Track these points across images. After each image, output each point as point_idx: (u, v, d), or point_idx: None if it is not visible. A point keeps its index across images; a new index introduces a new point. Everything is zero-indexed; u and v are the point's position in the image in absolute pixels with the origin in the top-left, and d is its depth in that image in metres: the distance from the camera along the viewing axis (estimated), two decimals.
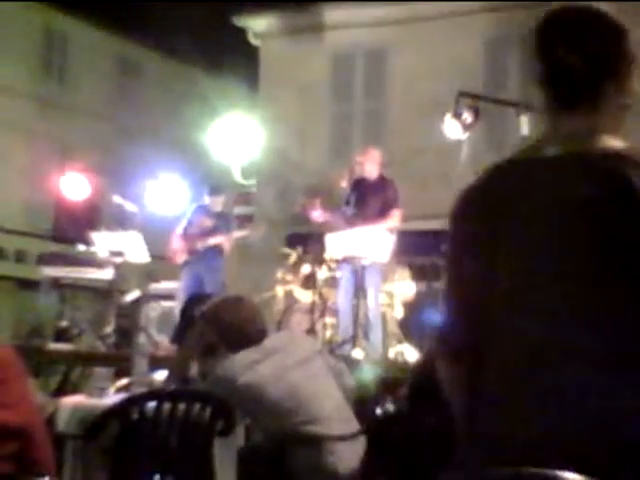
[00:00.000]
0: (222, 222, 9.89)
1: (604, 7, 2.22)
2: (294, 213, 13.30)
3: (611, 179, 1.84)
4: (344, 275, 8.70)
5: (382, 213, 8.65)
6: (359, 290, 8.35)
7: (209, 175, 15.27)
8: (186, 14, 21.44)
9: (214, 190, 10.09)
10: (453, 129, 8.23)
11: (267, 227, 10.43)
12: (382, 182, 8.88)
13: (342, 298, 8.65)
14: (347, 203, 8.86)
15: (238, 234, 9.92)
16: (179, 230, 9.90)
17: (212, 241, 9.63)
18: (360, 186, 8.87)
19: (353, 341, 8.12)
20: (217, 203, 9.99)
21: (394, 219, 8.68)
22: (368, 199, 8.74)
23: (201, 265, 9.61)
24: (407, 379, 3.27)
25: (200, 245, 9.62)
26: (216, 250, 9.73)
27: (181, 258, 9.73)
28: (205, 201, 10.01)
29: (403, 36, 15.93)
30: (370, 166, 8.83)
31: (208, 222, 9.80)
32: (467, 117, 8.11)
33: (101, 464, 4.00)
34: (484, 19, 15.35)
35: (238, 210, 17.28)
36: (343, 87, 16.68)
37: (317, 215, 8.96)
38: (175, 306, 9.63)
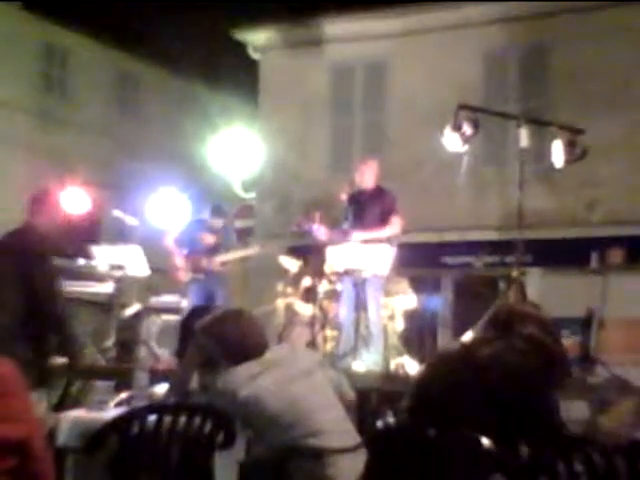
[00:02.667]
0: (224, 237, 9.92)
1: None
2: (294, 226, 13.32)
3: None
4: (345, 288, 8.72)
5: (381, 221, 8.70)
6: (360, 303, 8.36)
7: (209, 189, 15.29)
8: (186, 28, 21.49)
9: (216, 211, 10.03)
10: (453, 141, 8.25)
11: (267, 244, 10.40)
12: (379, 191, 8.94)
13: (344, 311, 8.67)
14: (346, 218, 8.92)
15: (237, 253, 9.91)
16: (169, 241, 9.88)
17: (219, 259, 9.64)
18: (357, 199, 8.92)
19: (354, 354, 8.12)
20: (217, 223, 9.96)
21: (394, 226, 8.72)
22: (366, 209, 8.79)
23: (212, 281, 9.66)
24: (408, 391, 3.27)
25: (206, 264, 9.64)
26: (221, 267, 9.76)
27: (186, 276, 9.75)
28: (204, 216, 10.00)
29: (403, 49, 15.97)
30: (369, 176, 8.90)
31: (210, 239, 9.80)
32: (467, 129, 8.13)
33: (101, 478, 3.99)
34: (484, 32, 15.38)
35: (238, 223, 17.30)
36: (343, 100, 16.71)
37: (316, 230, 8.99)
38: (178, 320, 9.64)
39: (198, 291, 9.70)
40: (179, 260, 9.81)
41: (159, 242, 9.92)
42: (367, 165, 9.03)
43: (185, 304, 9.77)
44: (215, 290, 9.66)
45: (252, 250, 10.19)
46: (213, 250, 9.71)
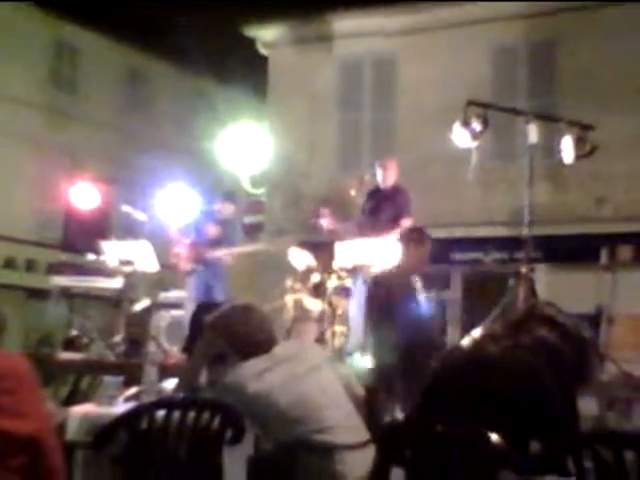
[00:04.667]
0: (229, 230, 9.88)
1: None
2: (303, 222, 13.31)
3: None
4: (356, 284, 8.74)
5: (394, 222, 8.71)
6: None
7: (218, 184, 15.28)
8: (195, 25, 21.49)
9: (227, 196, 10.07)
10: (462, 138, 8.24)
11: (276, 240, 10.36)
12: (395, 191, 8.98)
13: (354, 307, 8.68)
14: (364, 212, 8.98)
15: (244, 249, 9.88)
16: (173, 230, 9.85)
17: (219, 253, 9.59)
18: (375, 196, 8.98)
19: (363, 350, 8.12)
20: (228, 209, 9.95)
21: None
22: (381, 208, 8.84)
23: (209, 273, 9.59)
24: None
25: (209, 255, 9.59)
26: (221, 259, 9.70)
27: (187, 266, 9.68)
28: (215, 207, 9.97)
29: (411, 45, 15.95)
30: (392, 176, 8.97)
31: (215, 230, 9.76)
32: (476, 126, 8.12)
33: (110, 473, 4.00)
34: (493, 28, 15.36)
35: (248, 219, 17.32)
36: (352, 96, 16.70)
37: (327, 223, 9.01)
38: (183, 315, 9.63)
39: (197, 282, 9.64)
40: (180, 249, 9.75)
41: (168, 237, 9.92)
42: (389, 166, 9.07)
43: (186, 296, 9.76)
44: (214, 283, 9.59)
45: (259, 246, 10.15)
46: (216, 242, 9.66)
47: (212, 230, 9.77)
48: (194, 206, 10.39)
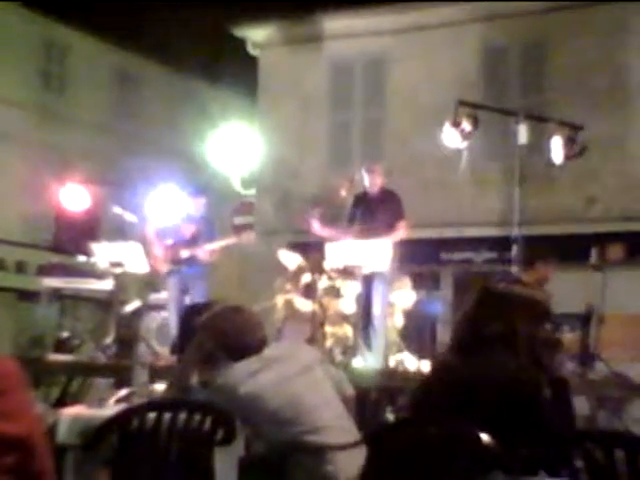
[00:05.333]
0: (205, 227, 9.71)
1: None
2: (294, 222, 13.31)
3: None
4: (352, 284, 8.76)
5: (390, 226, 8.71)
6: (364, 299, 8.41)
7: (209, 185, 15.28)
8: (185, 25, 21.47)
9: (195, 192, 9.86)
10: (452, 138, 8.26)
11: (257, 234, 10.19)
12: (386, 195, 8.94)
13: (353, 307, 8.72)
14: (351, 220, 8.90)
15: (222, 242, 9.70)
16: (150, 231, 9.72)
17: (194, 252, 9.43)
18: (364, 201, 8.93)
19: (354, 350, 8.14)
20: (199, 205, 9.76)
21: (401, 232, 8.75)
22: (375, 213, 8.79)
23: (186, 273, 9.48)
24: (407, 388, 3.28)
25: (183, 255, 9.48)
26: (199, 258, 9.57)
27: (165, 267, 9.58)
28: (186, 205, 9.80)
29: (402, 45, 15.96)
30: (379, 180, 8.93)
31: (190, 229, 9.61)
32: (466, 126, 8.15)
33: (101, 475, 3.99)
34: (483, 28, 15.38)
35: (237, 220, 17.31)
36: (342, 96, 16.69)
37: (316, 227, 8.99)
38: (167, 317, 9.58)
39: (175, 284, 9.53)
40: (157, 250, 9.59)
41: (144, 238, 9.72)
42: (376, 170, 9.03)
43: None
44: (193, 283, 9.47)
45: (231, 241, 9.87)
46: (193, 241, 9.55)
47: (187, 229, 9.62)
48: (184, 207, 10.35)
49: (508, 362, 3.10)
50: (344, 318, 9.00)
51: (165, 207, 10.21)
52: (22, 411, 2.84)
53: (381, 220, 8.75)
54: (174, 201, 10.34)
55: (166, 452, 3.74)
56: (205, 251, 9.44)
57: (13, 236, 20.50)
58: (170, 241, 9.57)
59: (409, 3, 15.56)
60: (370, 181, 8.92)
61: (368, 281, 8.47)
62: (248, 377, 4.02)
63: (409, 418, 3.26)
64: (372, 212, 8.81)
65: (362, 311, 8.47)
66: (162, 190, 10.34)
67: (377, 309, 8.50)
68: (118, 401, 4.64)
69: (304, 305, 9.35)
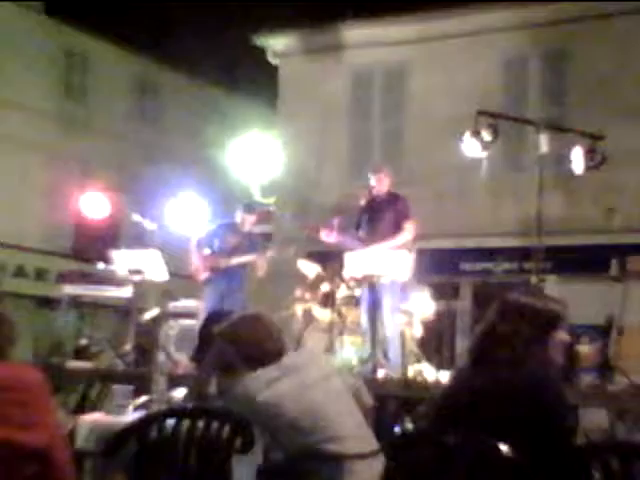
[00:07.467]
0: (247, 241, 9.86)
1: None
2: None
3: None
4: (363, 294, 8.74)
5: (395, 227, 8.71)
6: (376, 308, 8.39)
7: (228, 193, 15.31)
8: (205, 34, 21.56)
9: (248, 208, 10.10)
10: (472, 148, 8.25)
11: (295, 248, 10.27)
12: (392, 197, 8.95)
13: (364, 317, 8.70)
14: (358, 226, 8.94)
15: (270, 254, 9.82)
16: (193, 244, 9.88)
17: (235, 260, 9.58)
18: (371, 206, 8.94)
19: (372, 360, 8.12)
20: (248, 221, 9.97)
21: (407, 232, 8.73)
22: (380, 215, 8.81)
23: (223, 283, 9.60)
24: (427, 398, 3.27)
25: (224, 264, 9.60)
26: (239, 269, 9.69)
27: (203, 276, 9.71)
28: (237, 218, 9.94)
29: (422, 55, 15.96)
30: (386, 183, 8.93)
31: (233, 240, 9.77)
32: (486, 135, 8.13)
33: None
34: (503, 38, 15.36)
35: (257, 229, 17.32)
36: (362, 106, 16.71)
37: (329, 236, 9.00)
38: (195, 324, 9.62)
39: (212, 292, 9.65)
40: (195, 259, 9.79)
41: (178, 247, 9.92)
42: (383, 172, 9.04)
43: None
44: (229, 293, 9.58)
45: (277, 253, 10.01)
46: (235, 252, 9.68)
47: (231, 240, 9.77)
48: (203, 215, 10.39)
49: (528, 373, 3.09)
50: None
51: (185, 215, 10.27)
52: (43, 422, 2.84)
53: (387, 221, 8.75)
54: (193, 209, 10.39)
55: (184, 460, 3.74)
56: (243, 261, 9.56)
57: (33, 243, 20.62)
58: (208, 251, 9.70)
59: (429, 13, 15.57)
60: (376, 182, 8.93)
61: (374, 290, 8.43)
62: (266, 385, 4.01)
63: (428, 429, 3.25)
64: (378, 215, 8.82)
65: (369, 320, 8.47)
66: (182, 198, 10.37)
67: (387, 319, 8.47)
68: (137, 408, 4.66)
69: (323, 314, 9.35)
